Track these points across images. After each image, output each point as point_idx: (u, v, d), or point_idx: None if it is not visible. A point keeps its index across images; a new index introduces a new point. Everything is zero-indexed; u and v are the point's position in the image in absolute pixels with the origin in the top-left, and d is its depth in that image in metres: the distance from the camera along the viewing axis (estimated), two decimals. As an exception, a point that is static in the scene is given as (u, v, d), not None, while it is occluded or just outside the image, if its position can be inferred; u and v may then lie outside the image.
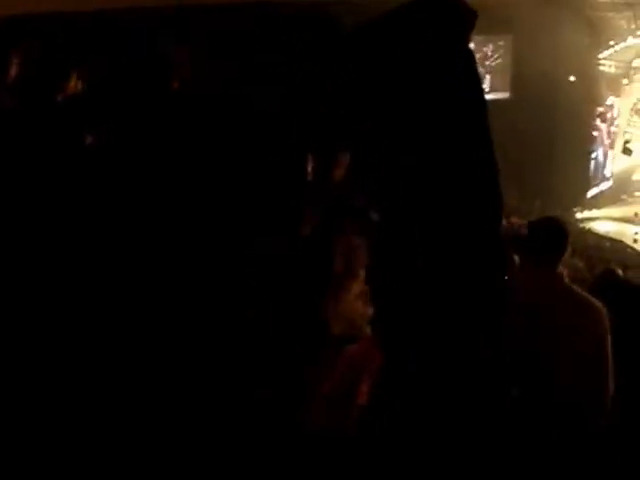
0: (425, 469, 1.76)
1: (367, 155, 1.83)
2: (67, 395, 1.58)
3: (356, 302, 1.68)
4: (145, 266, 1.60)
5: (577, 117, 19.20)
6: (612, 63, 20.95)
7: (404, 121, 1.87)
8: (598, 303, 3.35)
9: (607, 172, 21.83)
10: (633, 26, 19.62)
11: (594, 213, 20.56)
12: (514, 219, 10.63)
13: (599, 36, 19.84)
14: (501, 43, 18.79)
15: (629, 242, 18.40)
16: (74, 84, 2.79)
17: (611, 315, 3.31)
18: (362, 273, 1.68)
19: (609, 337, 3.25)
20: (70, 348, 1.58)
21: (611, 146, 21.85)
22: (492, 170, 1.89)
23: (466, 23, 1.92)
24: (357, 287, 1.67)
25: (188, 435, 1.57)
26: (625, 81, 21.72)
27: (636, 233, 19.09)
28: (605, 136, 21.71)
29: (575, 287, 3.50)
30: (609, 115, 21.76)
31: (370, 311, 1.70)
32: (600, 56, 20.58)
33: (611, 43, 20.36)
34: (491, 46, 18.44)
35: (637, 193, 21.64)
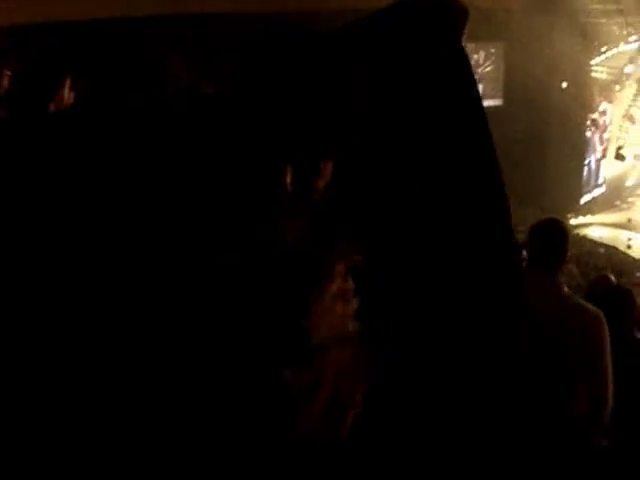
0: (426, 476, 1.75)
1: (357, 163, 1.82)
2: (68, 395, 1.57)
3: (335, 301, 1.66)
4: (136, 277, 1.60)
5: (569, 123, 19.27)
6: (604, 69, 21.03)
7: (397, 125, 1.85)
8: (597, 311, 3.29)
9: (600, 178, 21.89)
10: (625, 32, 19.72)
11: (588, 219, 20.62)
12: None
13: (591, 42, 19.92)
14: (493, 50, 18.86)
15: (622, 248, 18.46)
16: (69, 93, 2.78)
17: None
18: (340, 270, 1.66)
19: (608, 345, 3.20)
20: (70, 347, 1.58)
21: (604, 152, 21.91)
22: (494, 170, 1.86)
23: (457, 20, 1.88)
24: (334, 286, 1.66)
25: (178, 441, 1.56)
26: (617, 87, 21.81)
27: (629, 239, 19.15)
28: (598, 142, 21.78)
29: (573, 296, 3.43)
30: (601, 121, 21.84)
31: (353, 307, 1.69)
32: (592, 62, 20.66)
33: (603, 49, 20.45)
34: (483, 53, 18.50)
35: (630, 199, 21.70)
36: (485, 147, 1.88)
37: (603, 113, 21.86)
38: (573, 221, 19.76)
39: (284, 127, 1.73)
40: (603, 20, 19.15)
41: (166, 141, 1.64)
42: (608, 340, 3.23)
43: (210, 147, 1.66)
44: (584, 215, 20.64)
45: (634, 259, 17.44)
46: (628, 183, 22.02)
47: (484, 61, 18.59)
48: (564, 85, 19.42)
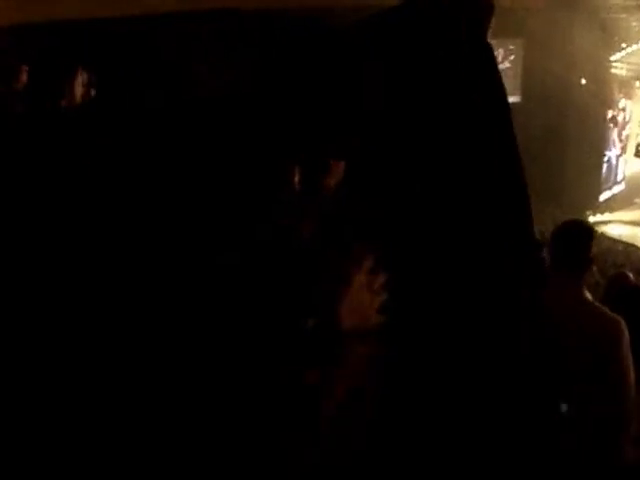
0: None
1: (373, 161, 1.80)
2: (67, 394, 1.57)
3: (361, 293, 1.64)
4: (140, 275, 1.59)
5: (589, 120, 19.11)
6: (624, 66, 20.84)
7: (419, 122, 1.82)
8: (618, 318, 3.20)
9: (619, 175, 21.72)
10: (645, 28, 19.55)
11: (607, 217, 20.45)
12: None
13: (611, 38, 19.75)
14: (512, 47, 18.75)
15: (642, 245, 18.30)
16: (83, 89, 2.78)
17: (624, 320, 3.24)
18: (367, 264, 1.65)
19: (629, 352, 3.12)
20: (70, 346, 1.57)
21: (623, 149, 21.74)
22: (518, 170, 1.83)
23: (483, 15, 1.84)
24: (361, 278, 1.64)
25: (186, 440, 1.55)
26: (637, 83, 21.62)
27: (649, 237, 18.99)
28: (617, 139, 21.61)
29: (595, 302, 3.33)
30: (621, 118, 21.66)
31: (380, 300, 1.67)
32: (612, 59, 20.48)
33: (623, 45, 20.26)
34: (502, 50, 18.41)
35: (650, 196, 21.54)
36: (509, 147, 1.86)
37: (622, 110, 21.67)
38: (592, 218, 19.61)
39: (293, 125, 1.72)
40: (623, 16, 18.97)
41: (174, 140, 1.63)
42: (628, 346, 3.14)
43: (217, 146, 1.65)
44: (603, 212, 20.48)
45: (653, 257, 17.29)
46: (648, 180, 21.85)
47: (503, 58, 18.49)
48: (583, 81, 19.27)
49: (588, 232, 3.47)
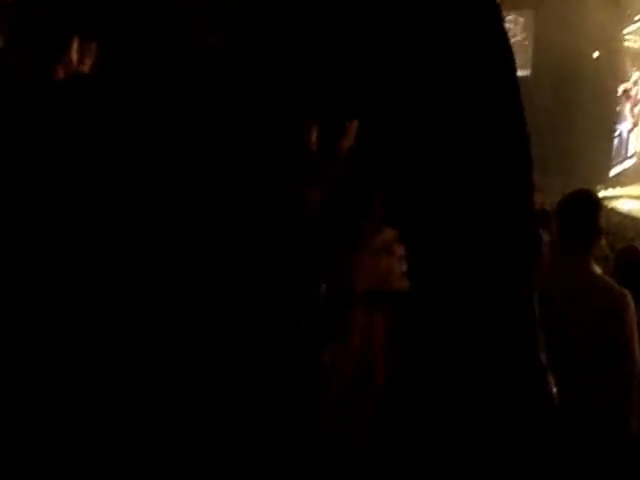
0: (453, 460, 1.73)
1: (375, 130, 1.78)
2: (67, 394, 1.57)
3: (379, 255, 1.61)
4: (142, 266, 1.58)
5: (600, 94, 18.97)
6: (637, 38, 20.61)
7: (421, 90, 1.80)
8: (624, 291, 3.17)
9: (631, 150, 21.56)
10: (659, 0, 19.31)
11: (617, 191, 20.35)
12: (536, 197, 10.53)
13: (623, 11, 19.52)
14: (522, 19, 18.57)
15: (652, 221, 18.23)
16: (78, 57, 2.69)
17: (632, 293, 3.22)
18: (384, 229, 1.61)
19: (635, 326, 3.11)
20: (69, 346, 1.58)
21: (635, 123, 21.56)
22: (524, 140, 1.81)
23: None
24: (379, 240, 1.60)
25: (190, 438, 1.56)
26: (650, 57, 21.41)
27: (659, 212, 18.90)
28: (629, 113, 21.43)
29: (601, 275, 3.30)
30: (633, 92, 21.46)
31: (403, 266, 1.64)
32: (625, 31, 20.26)
33: (636, 18, 20.03)
34: (512, 23, 18.23)
35: (661, 171, 21.41)
36: (516, 117, 1.84)
37: (635, 83, 21.47)
38: (602, 193, 19.51)
39: (309, 82, 1.69)
40: (636, -13, 18.76)
41: (171, 119, 1.60)
42: (634, 319, 3.14)
43: (214, 125, 1.62)
44: (613, 187, 20.38)
45: (663, 232, 17.23)
46: (659, 155, 21.70)
47: (513, 30, 18.32)
48: (595, 54, 19.09)
49: (595, 202, 3.44)
